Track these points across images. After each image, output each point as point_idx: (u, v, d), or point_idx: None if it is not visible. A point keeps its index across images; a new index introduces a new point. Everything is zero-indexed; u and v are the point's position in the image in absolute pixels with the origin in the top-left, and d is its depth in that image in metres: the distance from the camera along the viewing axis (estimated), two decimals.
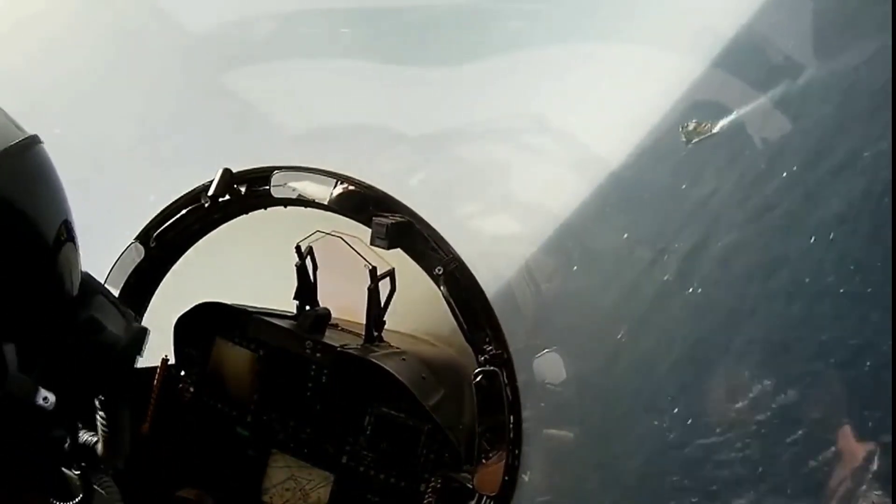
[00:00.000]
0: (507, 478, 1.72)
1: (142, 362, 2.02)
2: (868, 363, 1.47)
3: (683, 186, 1.64)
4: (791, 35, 1.61)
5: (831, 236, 1.52)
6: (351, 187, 1.83)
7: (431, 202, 1.82)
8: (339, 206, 1.84)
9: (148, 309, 2.05)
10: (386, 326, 2.13)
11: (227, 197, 1.90)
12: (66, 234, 1.00)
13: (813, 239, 1.53)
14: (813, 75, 1.56)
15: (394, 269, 2.03)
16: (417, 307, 2.17)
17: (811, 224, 1.54)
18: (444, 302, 1.75)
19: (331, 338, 2.04)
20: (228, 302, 2.08)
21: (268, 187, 1.90)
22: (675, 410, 1.67)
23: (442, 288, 1.74)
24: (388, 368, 1.88)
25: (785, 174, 1.58)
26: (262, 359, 2.04)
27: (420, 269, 1.78)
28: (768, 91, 1.63)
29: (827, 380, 1.52)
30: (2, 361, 0.90)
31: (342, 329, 2.19)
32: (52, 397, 0.95)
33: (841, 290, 1.50)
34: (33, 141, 0.96)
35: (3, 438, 0.96)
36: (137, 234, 1.97)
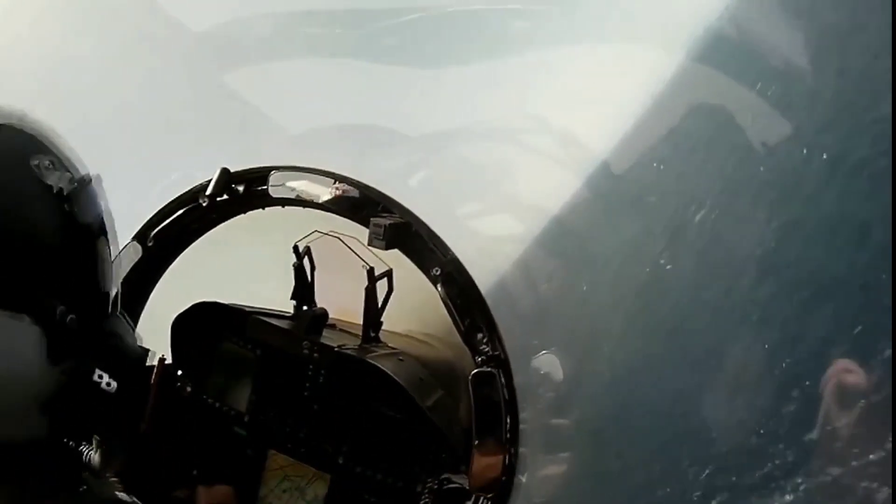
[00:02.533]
0: (504, 479, 1.72)
1: None
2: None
3: (686, 186, 1.64)
4: (799, 35, 1.61)
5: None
6: (349, 187, 1.84)
7: (429, 202, 1.82)
8: (337, 206, 1.84)
9: (145, 308, 2.05)
10: (383, 327, 2.12)
11: (225, 196, 1.91)
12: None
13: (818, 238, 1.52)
14: (812, 74, 1.56)
15: (391, 269, 2.03)
16: (415, 308, 2.17)
17: (817, 222, 1.53)
18: (441, 303, 1.75)
19: (328, 338, 2.04)
20: (226, 302, 2.08)
21: (266, 187, 1.90)
22: (675, 410, 1.67)
23: (439, 288, 1.74)
24: (385, 369, 1.88)
25: (788, 172, 1.57)
26: (260, 359, 2.04)
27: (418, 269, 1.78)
28: (774, 90, 1.62)
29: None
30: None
31: (340, 329, 2.19)
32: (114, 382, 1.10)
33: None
34: None
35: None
36: (135, 233, 1.97)
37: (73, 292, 1.05)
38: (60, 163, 1.06)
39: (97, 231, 1.12)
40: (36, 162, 1.03)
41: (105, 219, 1.15)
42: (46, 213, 1.03)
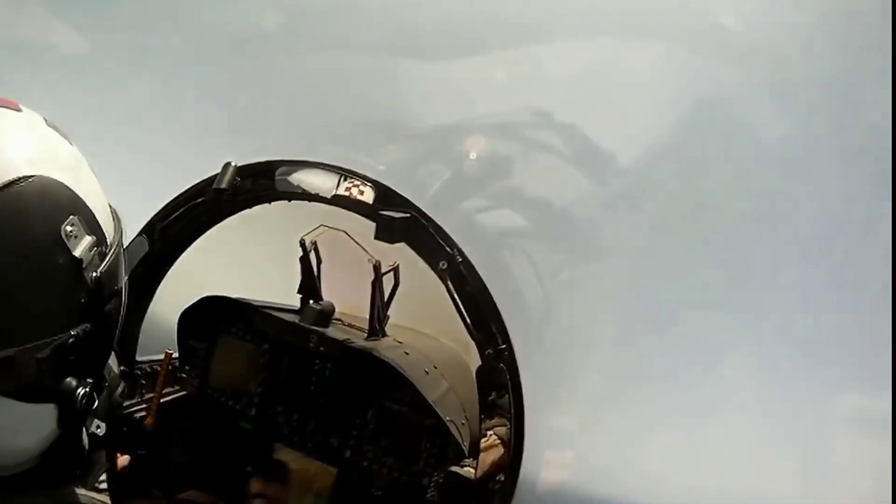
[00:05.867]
0: (510, 472, 1.73)
1: (146, 355, 2.05)
2: None
3: (688, 182, 1.65)
4: (797, 34, 1.62)
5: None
6: (355, 182, 1.84)
7: (436, 197, 1.83)
8: (344, 200, 1.85)
9: (152, 301, 2.06)
10: (390, 321, 2.13)
11: (232, 191, 1.91)
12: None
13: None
14: (817, 72, 1.57)
15: (398, 264, 2.03)
16: (421, 302, 2.18)
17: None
18: (448, 297, 1.76)
19: (335, 332, 2.05)
20: (233, 296, 2.09)
21: (272, 181, 1.91)
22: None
23: (446, 283, 1.74)
24: (391, 363, 1.89)
25: (789, 173, 1.59)
26: (266, 352, 2.05)
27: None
28: (773, 89, 1.63)
29: None
30: None
31: (346, 324, 2.19)
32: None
33: None
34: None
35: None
36: (143, 226, 1.97)
37: (87, 369, 1.04)
38: (86, 223, 0.98)
39: (115, 304, 1.06)
40: (69, 228, 0.94)
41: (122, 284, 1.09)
42: (74, 293, 0.96)
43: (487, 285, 1.74)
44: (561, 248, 1.82)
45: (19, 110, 0.99)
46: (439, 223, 1.77)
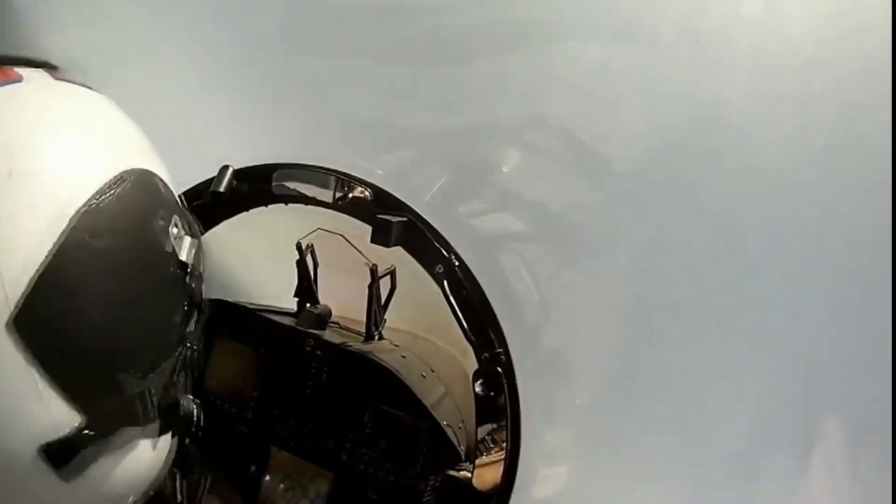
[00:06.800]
0: (506, 477, 1.73)
1: None
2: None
3: (687, 185, 1.64)
4: (797, 35, 1.61)
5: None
6: (352, 185, 1.84)
7: (433, 200, 1.82)
8: (340, 203, 1.84)
9: None
10: (386, 324, 2.13)
11: (229, 194, 1.90)
12: None
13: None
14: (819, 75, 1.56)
15: (394, 267, 2.04)
16: (418, 306, 2.18)
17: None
18: (445, 301, 1.76)
19: (331, 335, 2.05)
20: (229, 299, 2.09)
21: (269, 184, 1.90)
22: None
23: (443, 287, 1.74)
24: (388, 366, 1.89)
25: (789, 176, 1.58)
26: (263, 356, 2.05)
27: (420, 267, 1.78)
28: (773, 92, 1.63)
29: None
30: None
31: (343, 327, 2.19)
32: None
33: None
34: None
35: None
36: None
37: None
38: (181, 217, 0.77)
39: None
40: (174, 230, 0.73)
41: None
42: (183, 302, 0.78)
43: (484, 289, 1.74)
44: (559, 251, 1.81)
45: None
46: (436, 227, 1.77)
